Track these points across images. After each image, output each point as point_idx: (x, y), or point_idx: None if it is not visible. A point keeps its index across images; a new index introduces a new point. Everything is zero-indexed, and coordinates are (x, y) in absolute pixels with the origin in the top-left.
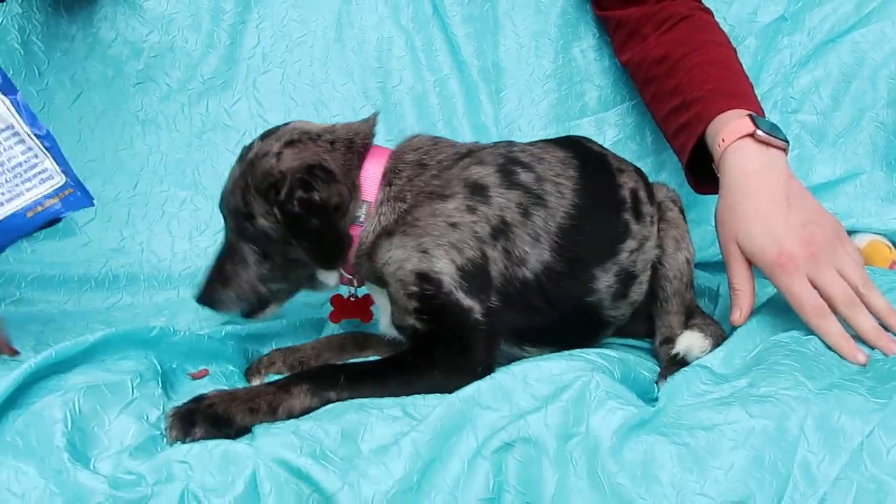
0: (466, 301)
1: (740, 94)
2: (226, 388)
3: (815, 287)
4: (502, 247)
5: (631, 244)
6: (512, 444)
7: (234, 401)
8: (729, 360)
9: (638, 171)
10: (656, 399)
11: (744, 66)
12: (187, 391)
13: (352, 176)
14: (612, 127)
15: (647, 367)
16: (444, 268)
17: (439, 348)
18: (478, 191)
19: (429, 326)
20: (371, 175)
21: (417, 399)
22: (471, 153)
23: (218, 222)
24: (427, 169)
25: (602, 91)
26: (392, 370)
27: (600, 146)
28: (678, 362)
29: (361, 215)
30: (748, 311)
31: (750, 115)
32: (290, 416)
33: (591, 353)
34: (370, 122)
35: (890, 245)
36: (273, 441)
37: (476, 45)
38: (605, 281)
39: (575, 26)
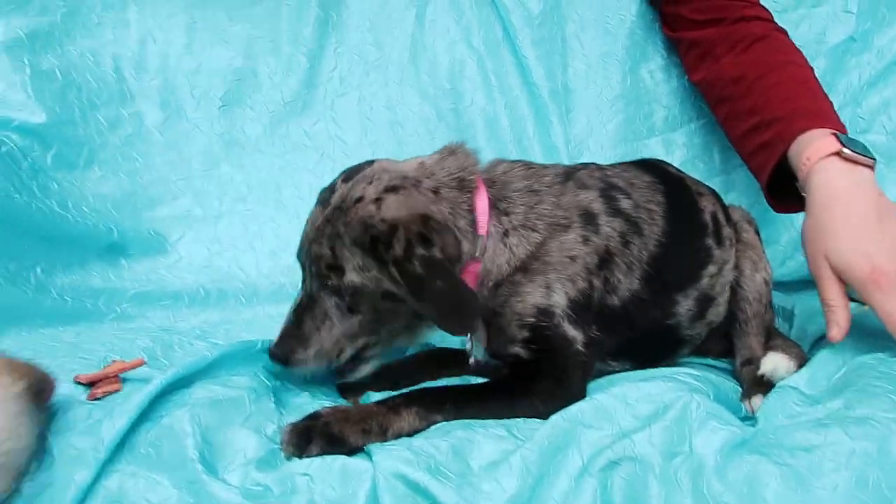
0: (571, 332)
1: (822, 112)
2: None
3: None
4: (604, 276)
5: (712, 269)
6: (618, 462)
7: (348, 421)
8: (814, 381)
9: (714, 193)
10: (744, 419)
11: None
12: (295, 405)
13: (464, 216)
14: (680, 147)
15: (729, 388)
16: (559, 300)
17: (540, 376)
18: (589, 219)
19: (533, 356)
20: (483, 208)
21: (518, 421)
22: (569, 175)
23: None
24: (540, 195)
25: (670, 111)
26: (495, 395)
27: (676, 169)
28: (763, 383)
29: (478, 251)
30: (846, 326)
31: (835, 134)
32: (399, 437)
33: (683, 375)
34: (467, 154)
35: None
36: (389, 456)
37: (546, 66)
38: (685, 305)
39: (643, 47)
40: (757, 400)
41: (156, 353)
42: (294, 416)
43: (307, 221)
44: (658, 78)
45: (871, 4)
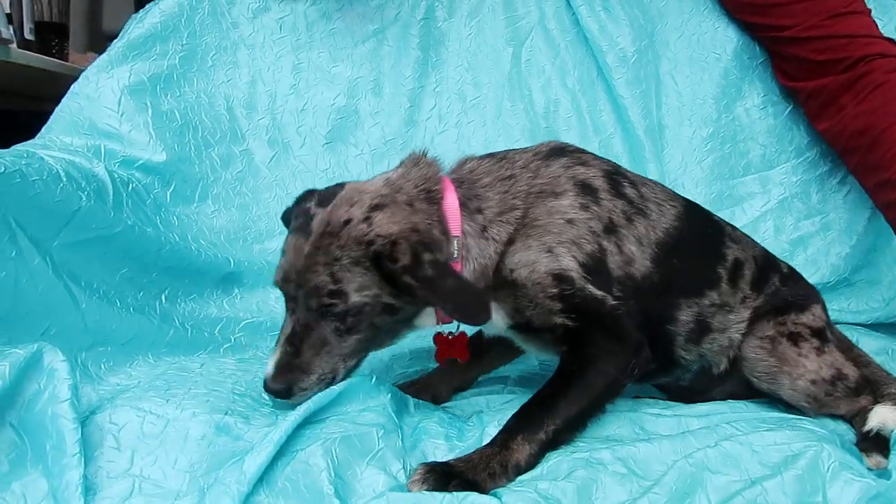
0: (597, 292)
1: None
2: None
3: None
4: (615, 242)
5: (714, 297)
6: None
7: (475, 468)
8: None
9: (762, 259)
10: (870, 469)
11: None
12: (415, 441)
13: (437, 224)
14: (777, 185)
15: (851, 437)
16: (569, 264)
17: (593, 341)
18: (588, 190)
19: (577, 322)
20: (452, 210)
21: (635, 453)
22: (557, 152)
23: None
24: (514, 177)
25: (766, 149)
26: (568, 385)
27: (726, 224)
28: (875, 438)
29: (454, 252)
30: None
31: None
32: (520, 469)
33: (806, 422)
34: (429, 163)
35: None
36: (519, 498)
37: (640, 105)
38: (685, 315)
39: (738, 85)
40: (874, 458)
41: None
42: (416, 453)
43: (286, 250)
44: (754, 116)
45: None
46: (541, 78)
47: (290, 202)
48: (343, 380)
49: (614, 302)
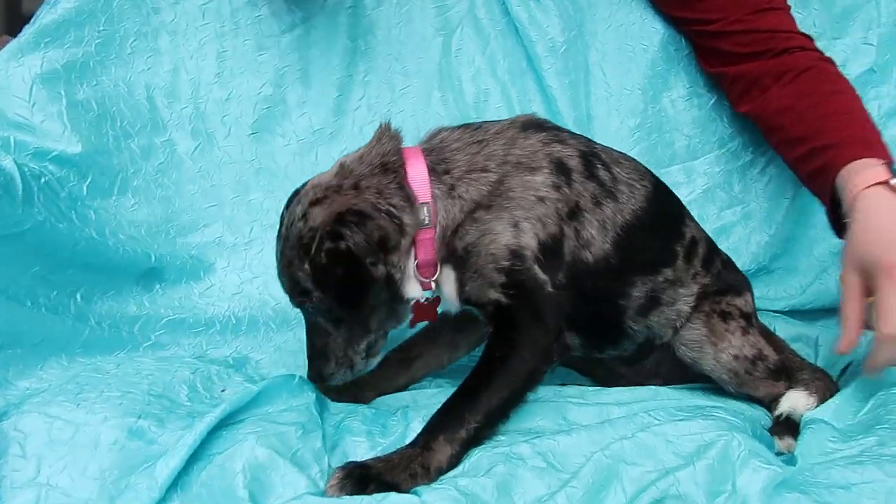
0: (541, 275)
1: (871, 142)
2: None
3: None
4: (575, 227)
5: (669, 273)
6: (662, 500)
7: (395, 469)
8: (841, 415)
9: (709, 241)
10: (779, 454)
11: None
12: (336, 441)
13: (395, 194)
14: (701, 175)
15: (764, 423)
16: (529, 242)
17: (520, 325)
18: (563, 170)
19: (510, 301)
20: (419, 177)
21: (554, 446)
22: (540, 127)
23: None
24: (486, 142)
25: (691, 140)
26: (490, 375)
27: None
28: (786, 422)
29: (425, 218)
30: (854, 340)
31: (885, 163)
32: (441, 470)
33: (720, 411)
34: (391, 136)
35: None
36: (439, 496)
37: (569, 96)
38: (638, 291)
39: (664, 76)
40: (786, 441)
41: (196, 386)
42: (337, 452)
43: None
44: (679, 107)
45: (890, 37)
46: (471, 68)
47: (214, 193)
48: (365, 362)
49: (551, 290)
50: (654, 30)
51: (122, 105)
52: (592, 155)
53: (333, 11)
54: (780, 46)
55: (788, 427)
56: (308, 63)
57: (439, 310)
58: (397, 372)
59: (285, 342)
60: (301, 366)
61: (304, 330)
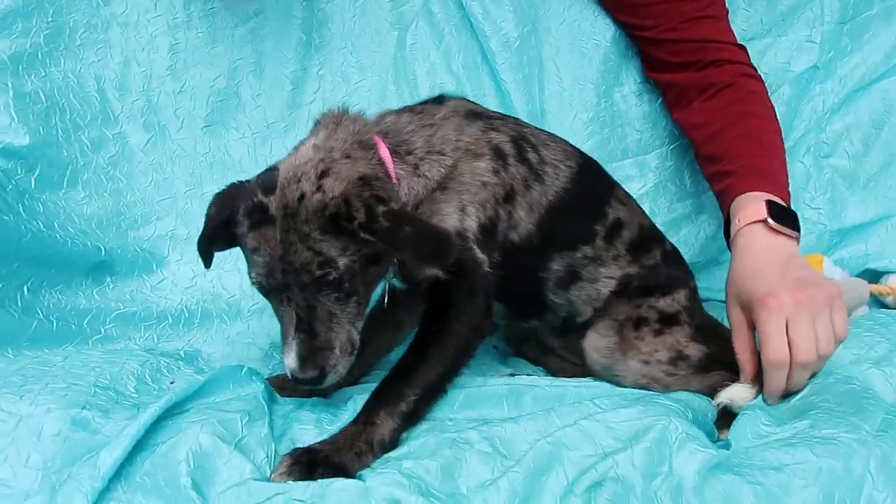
0: (479, 255)
1: (768, 173)
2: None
3: (787, 336)
4: (508, 210)
5: (588, 251)
6: (601, 482)
7: (341, 449)
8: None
9: (648, 229)
10: (717, 440)
11: (779, 115)
12: (283, 427)
13: (379, 167)
14: (653, 169)
15: (706, 410)
16: (471, 225)
17: (456, 301)
18: (500, 156)
19: (449, 277)
20: (388, 158)
21: (501, 433)
22: (476, 115)
23: None
24: (435, 126)
25: (642, 135)
26: (427, 350)
27: (618, 185)
28: (723, 413)
29: (401, 196)
30: (752, 372)
31: (767, 202)
32: (384, 444)
33: (662, 398)
34: (354, 119)
35: None
36: (382, 481)
37: (523, 90)
38: (556, 265)
39: (616, 72)
40: (724, 433)
41: (145, 378)
42: (284, 440)
43: (257, 247)
44: (631, 102)
45: (833, 35)
46: (426, 62)
47: (167, 186)
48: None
49: (487, 269)
50: (605, 26)
51: (71, 97)
52: (522, 139)
53: (288, 4)
54: (708, 58)
55: (726, 418)
56: (262, 56)
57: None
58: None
59: (238, 335)
60: (253, 358)
61: (264, 321)
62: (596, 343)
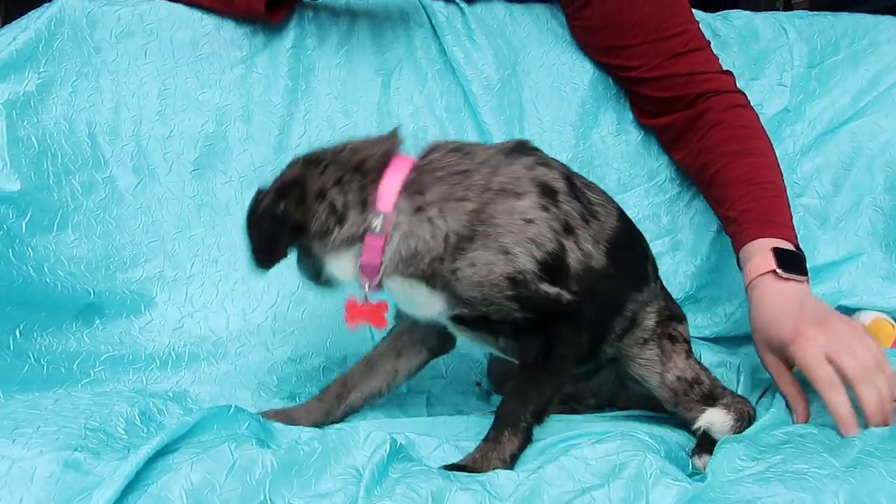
0: (552, 289)
1: (769, 217)
2: None
3: (829, 361)
4: (573, 241)
5: (646, 293)
6: None
7: (482, 465)
8: (753, 435)
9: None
10: (692, 474)
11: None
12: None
13: (355, 191)
14: (631, 208)
15: (681, 444)
16: (527, 264)
17: (552, 329)
18: (548, 192)
19: (526, 314)
20: (388, 187)
21: (493, 477)
22: (525, 151)
23: (268, 300)
24: (469, 172)
25: (621, 174)
26: (534, 376)
27: None
28: (703, 437)
29: (377, 226)
30: (804, 412)
31: (774, 250)
32: (515, 456)
33: (639, 432)
34: (392, 141)
35: (893, 322)
36: None
37: (504, 131)
38: (630, 307)
39: (594, 114)
40: (703, 459)
41: (135, 420)
42: None
43: None
44: (609, 142)
45: (802, 79)
46: (409, 106)
47: (155, 229)
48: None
49: (570, 297)
50: (584, 69)
51: (63, 142)
52: (573, 176)
53: (274, 51)
54: (696, 90)
55: (704, 443)
56: (249, 101)
57: (389, 318)
58: (333, 406)
59: (226, 375)
60: (241, 398)
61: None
62: (641, 354)
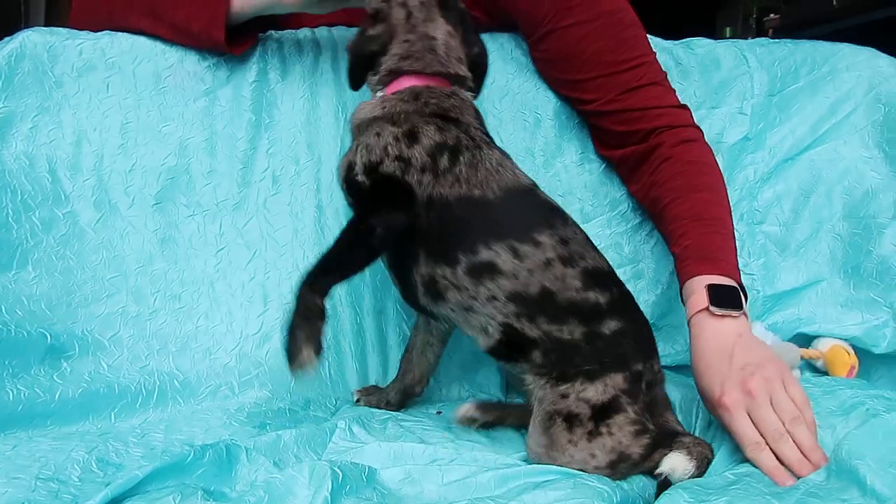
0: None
1: (710, 253)
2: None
3: (753, 422)
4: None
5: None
6: None
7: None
8: (707, 478)
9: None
10: None
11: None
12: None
13: None
14: (594, 237)
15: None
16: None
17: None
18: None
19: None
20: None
21: None
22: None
23: (231, 341)
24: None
25: (584, 203)
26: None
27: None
28: (663, 484)
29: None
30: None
31: (708, 287)
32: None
33: (593, 479)
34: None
35: (849, 350)
36: None
37: None
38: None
39: (558, 143)
40: None
41: (91, 466)
42: None
43: None
44: (572, 172)
45: (762, 107)
46: None
47: (117, 263)
48: None
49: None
50: (547, 99)
51: (23, 178)
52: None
53: (237, 84)
54: (649, 126)
55: (664, 489)
56: (212, 134)
57: None
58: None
59: (194, 413)
60: (203, 438)
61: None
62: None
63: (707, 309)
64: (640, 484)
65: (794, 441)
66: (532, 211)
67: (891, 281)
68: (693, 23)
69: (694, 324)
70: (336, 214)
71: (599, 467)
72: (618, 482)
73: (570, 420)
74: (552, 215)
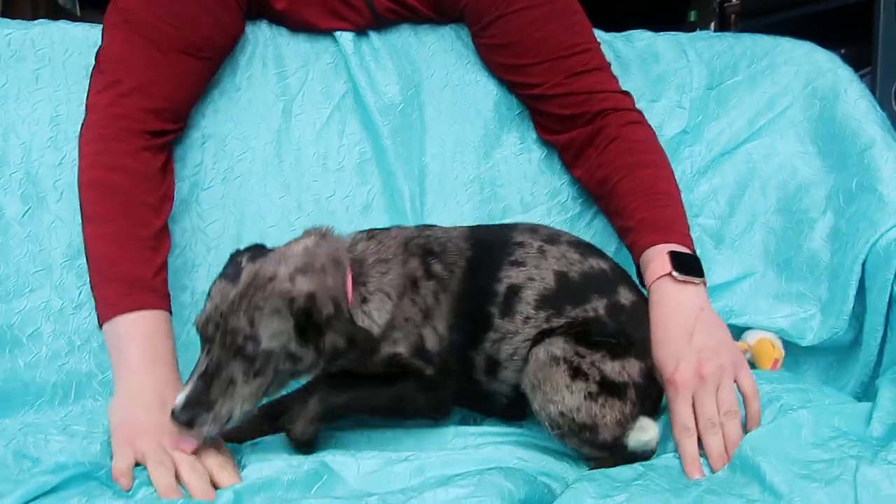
0: (419, 363)
1: (665, 224)
2: None
3: (693, 406)
4: (431, 326)
5: (493, 335)
6: None
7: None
8: (620, 470)
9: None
10: None
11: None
12: None
13: (342, 291)
14: None
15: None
16: (403, 350)
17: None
18: (414, 286)
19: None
20: (350, 285)
21: None
22: (407, 244)
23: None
24: (389, 264)
25: (523, 194)
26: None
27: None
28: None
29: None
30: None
31: (670, 253)
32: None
33: (498, 475)
34: (337, 239)
35: (775, 343)
36: None
37: (406, 152)
38: (478, 361)
39: (497, 134)
40: None
41: (6, 461)
42: None
43: (212, 295)
44: (511, 163)
45: (701, 101)
46: (311, 131)
47: (42, 257)
48: (236, 422)
49: (432, 372)
50: (487, 91)
51: None
52: (427, 254)
53: None
54: (595, 108)
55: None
56: None
57: None
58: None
59: None
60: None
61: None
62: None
63: (670, 274)
64: (563, 471)
65: (723, 433)
66: (492, 235)
67: (820, 275)
68: (665, 8)
69: (654, 290)
70: (270, 205)
71: (575, 421)
72: (531, 477)
73: (577, 372)
74: (510, 226)
